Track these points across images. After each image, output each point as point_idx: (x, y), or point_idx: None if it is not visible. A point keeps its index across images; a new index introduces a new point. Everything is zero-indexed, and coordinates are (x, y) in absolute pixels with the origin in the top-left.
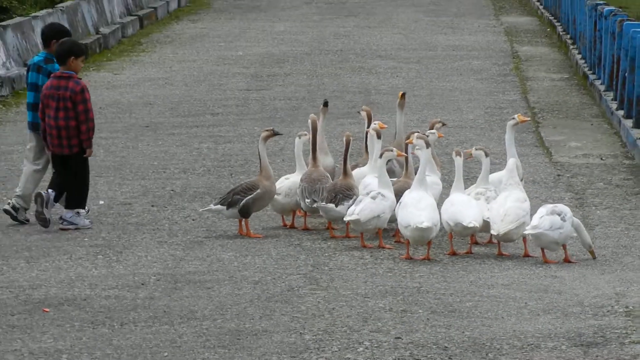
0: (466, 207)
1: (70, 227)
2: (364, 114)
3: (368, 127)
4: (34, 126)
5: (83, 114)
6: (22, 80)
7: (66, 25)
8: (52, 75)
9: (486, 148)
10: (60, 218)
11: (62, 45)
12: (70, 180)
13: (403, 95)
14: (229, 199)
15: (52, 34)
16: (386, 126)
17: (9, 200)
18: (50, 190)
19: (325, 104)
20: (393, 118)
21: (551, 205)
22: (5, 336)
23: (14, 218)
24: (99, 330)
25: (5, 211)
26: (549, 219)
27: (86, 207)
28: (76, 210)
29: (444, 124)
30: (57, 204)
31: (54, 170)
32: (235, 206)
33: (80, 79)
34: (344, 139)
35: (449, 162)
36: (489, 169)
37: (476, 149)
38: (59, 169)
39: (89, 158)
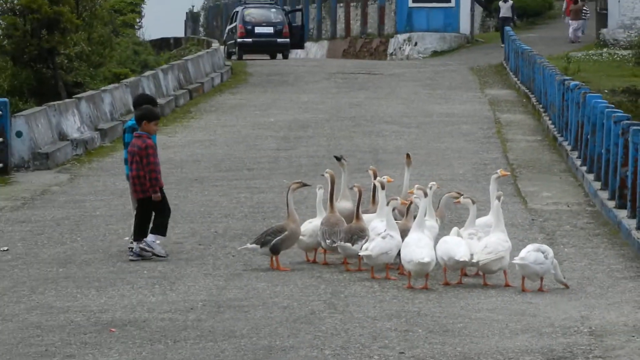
0: (457, 245)
1: (147, 250)
2: (371, 172)
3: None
4: (128, 177)
5: (146, 166)
6: (94, 142)
7: (129, 97)
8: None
9: (473, 197)
10: (144, 242)
11: (139, 111)
12: (155, 213)
13: (408, 155)
14: (262, 239)
15: (139, 101)
16: (392, 180)
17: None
18: (149, 238)
19: (337, 159)
20: (397, 172)
21: (538, 244)
22: (79, 351)
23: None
24: (156, 346)
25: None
26: (534, 254)
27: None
28: (156, 236)
29: (460, 194)
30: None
31: (135, 210)
32: (267, 245)
33: (150, 138)
34: (356, 190)
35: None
36: (475, 214)
37: (464, 198)
38: (139, 209)
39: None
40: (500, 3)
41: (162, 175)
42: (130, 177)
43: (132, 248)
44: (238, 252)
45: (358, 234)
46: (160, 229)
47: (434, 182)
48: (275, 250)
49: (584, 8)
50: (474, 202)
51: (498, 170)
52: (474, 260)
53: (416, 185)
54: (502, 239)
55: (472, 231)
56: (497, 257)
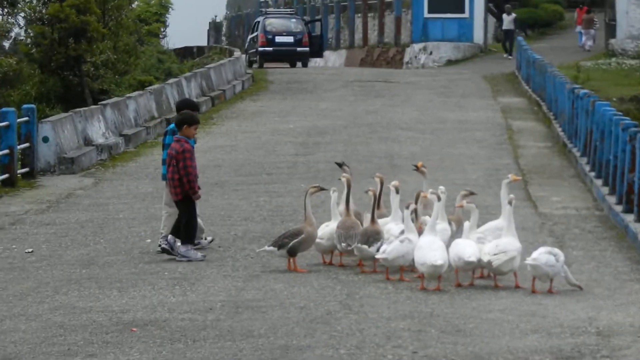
0: (466, 246)
1: (184, 259)
2: (377, 179)
3: (381, 189)
4: (164, 177)
5: (182, 169)
6: (118, 147)
7: (153, 104)
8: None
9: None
10: (178, 254)
11: (180, 116)
12: (180, 220)
13: (418, 165)
14: (280, 242)
15: (182, 105)
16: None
17: (159, 242)
18: (169, 237)
19: (339, 165)
20: (412, 178)
21: (549, 247)
22: (101, 350)
23: (169, 253)
24: (176, 345)
25: (163, 250)
26: (546, 256)
27: (206, 239)
28: (188, 245)
29: (472, 193)
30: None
31: (166, 207)
32: (285, 248)
33: (188, 142)
34: (371, 194)
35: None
36: (477, 219)
37: (467, 203)
38: (179, 211)
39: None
40: (504, 16)
41: None
42: (169, 180)
43: (167, 239)
44: (256, 254)
45: (374, 237)
46: (187, 238)
47: (442, 187)
48: (292, 253)
49: (595, 19)
50: (476, 207)
51: (509, 175)
52: (485, 260)
53: (430, 190)
54: (512, 241)
55: (479, 235)
56: (508, 257)
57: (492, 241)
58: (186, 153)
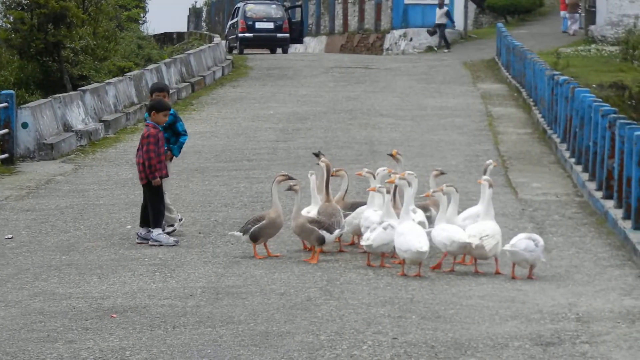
0: (458, 230)
1: (155, 244)
2: (322, 164)
3: (327, 177)
4: None
5: (145, 153)
6: (98, 133)
7: (133, 90)
8: None
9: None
10: (150, 238)
11: (150, 102)
12: (146, 205)
13: (393, 153)
14: (245, 227)
15: (152, 89)
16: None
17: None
18: (140, 231)
19: (316, 155)
20: (392, 164)
21: (529, 233)
22: (80, 336)
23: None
24: (156, 332)
25: (139, 243)
26: (525, 242)
27: (176, 224)
28: (160, 229)
29: (442, 173)
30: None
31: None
32: (247, 233)
33: (155, 127)
34: (323, 164)
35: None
36: (457, 202)
37: (447, 186)
38: (144, 195)
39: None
40: (437, 9)
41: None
42: (136, 164)
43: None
44: (237, 240)
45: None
46: (155, 221)
47: (412, 172)
48: (253, 238)
49: (579, 2)
50: (456, 191)
51: (490, 160)
52: (475, 244)
53: (397, 176)
54: (494, 225)
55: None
56: (496, 241)
57: (473, 225)
58: (150, 138)
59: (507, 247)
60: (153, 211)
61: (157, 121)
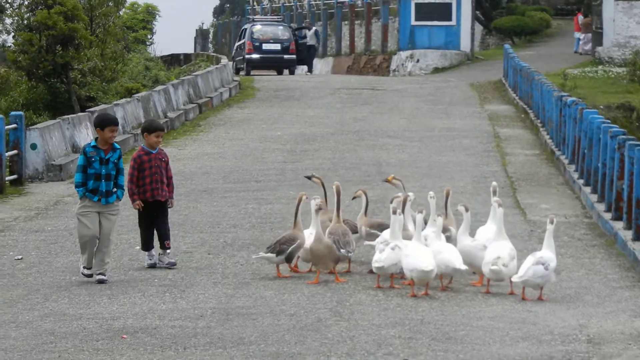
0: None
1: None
2: (316, 181)
3: (338, 198)
4: None
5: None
6: None
7: (141, 111)
8: None
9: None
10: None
11: (142, 124)
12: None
13: (389, 179)
14: (278, 248)
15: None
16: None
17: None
18: (154, 256)
19: (308, 178)
20: (394, 190)
21: (539, 254)
22: (92, 357)
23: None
24: (167, 353)
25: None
26: (533, 269)
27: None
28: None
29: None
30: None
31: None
32: (284, 254)
33: (143, 150)
34: (335, 189)
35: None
36: (469, 221)
37: (460, 205)
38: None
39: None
40: (305, 31)
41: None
42: None
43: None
44: (247, 261)
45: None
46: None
47: (432, 192)
48: (289, 259)
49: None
50: (467, 210)
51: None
52: (496, 269)
53: (395, 199)
54: (508, 245)
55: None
56: (514, 265)
57: (490, 247)
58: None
59: (515, 278)
60: (166, 226)
61: (149, 143)
